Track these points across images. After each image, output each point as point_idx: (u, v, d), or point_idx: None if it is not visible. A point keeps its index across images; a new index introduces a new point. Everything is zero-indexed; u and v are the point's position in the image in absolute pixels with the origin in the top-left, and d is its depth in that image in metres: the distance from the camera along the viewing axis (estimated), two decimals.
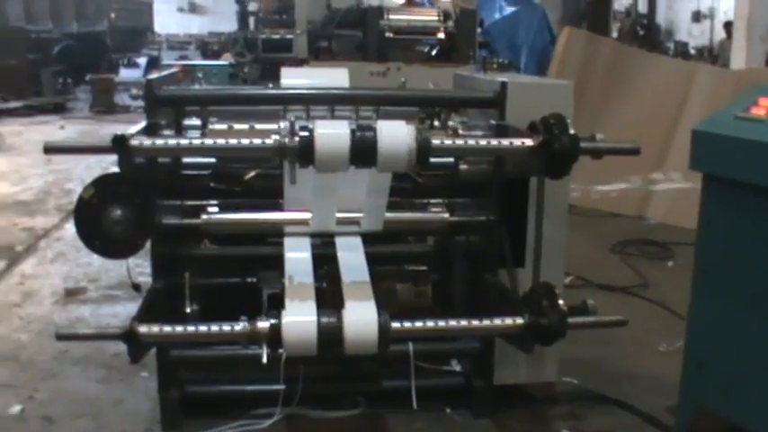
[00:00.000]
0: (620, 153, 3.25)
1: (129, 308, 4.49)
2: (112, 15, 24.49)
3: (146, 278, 3.62)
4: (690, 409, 3.32)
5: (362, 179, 3.27)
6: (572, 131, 3.02)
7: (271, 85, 4.58)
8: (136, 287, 3.65)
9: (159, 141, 3.16)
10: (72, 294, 5.17)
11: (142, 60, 20.19)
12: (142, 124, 3.29)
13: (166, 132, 3.50)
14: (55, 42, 17.88)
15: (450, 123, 3.79)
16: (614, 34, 19.82)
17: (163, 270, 3.44)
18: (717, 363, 3.19)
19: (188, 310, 3.46)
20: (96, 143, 3.06)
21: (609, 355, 4.24)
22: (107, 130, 12.33)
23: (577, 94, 3.61)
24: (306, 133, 2.85)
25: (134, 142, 2.91)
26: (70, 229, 5.86)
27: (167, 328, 3.09)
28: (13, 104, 14.20)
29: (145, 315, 3.10)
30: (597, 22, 16.98)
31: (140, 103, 3.97)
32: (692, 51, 20.77)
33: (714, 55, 19.51)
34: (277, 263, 3.33)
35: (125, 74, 18.77)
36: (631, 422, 3.63)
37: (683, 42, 22.00)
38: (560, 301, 3.08)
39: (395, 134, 2.90)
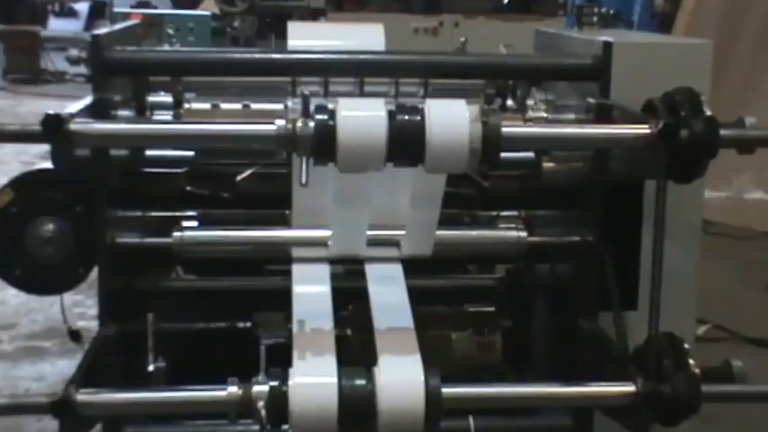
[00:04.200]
0: None
1: (63, 366, 4.59)
2: None
3: (89, 323, 3.63)
4: None
5: (404, 183, 3.33)
6: (708, 113, 3.05)
7: (273, 48, 4.66)
8: (74, 335, 3.68)
9: (112, 125, 3.21)
10: None
11: (83, 6, 20.32)
12: (86, 100, 3.29)
13: (122, 113, 3.55)
14: None
15: (530, 103, 3.84)
16: None
17: (115, 310, 3.45)
18: None
19: (151, 367, 3.50)
20: (16, 127, 3.04)
21: None
22: (30, 107, 12.48)
23: (717, 60, 3.62)
24: (324, 116, 2.88)
25: (75, 126, 2.92)
26: None
27: (120, 395, 3.11)
28: None
29: (86, 376, 3.09)
30: None
31: (82, 69, 4.02)
32: None
33: None
34: (281, 300, 3.38)
35: (57, 25, 18.88)
36: None
37: None
38: (691, 361, 3.09)
39: (451, 118, 2.92)
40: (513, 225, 3.68)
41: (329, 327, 3.19)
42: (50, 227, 3.07)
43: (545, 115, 3.78)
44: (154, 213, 3.63)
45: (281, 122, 2.90)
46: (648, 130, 3.05)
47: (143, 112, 3.76)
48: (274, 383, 2.92)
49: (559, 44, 4.06)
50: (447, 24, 7.15)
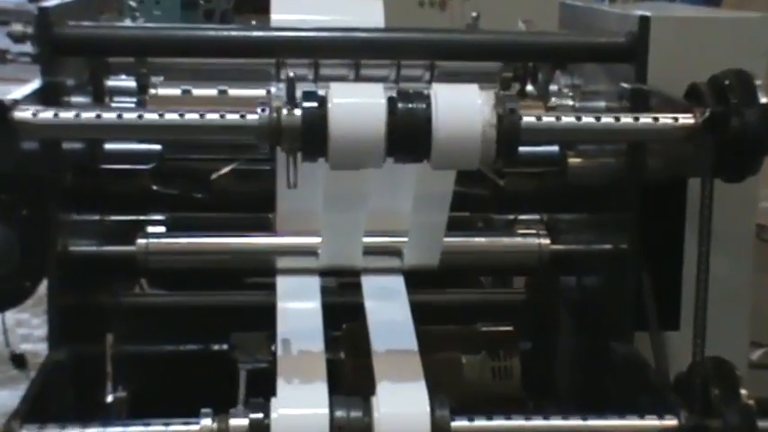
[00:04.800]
0: None
1: (4, 397, 4.55)
2: None
3: (36, 345, 3.62)
4: None
5: (407, 182, 3.31)
6: (764, 100, 3.01)
7: (253, 24, 4.62)
8: (18, 361, 3.66)
9: (64, 114, 3.15)
10: None
11: None
12: (34, 84, 3.26)
13: (77, 99, 3.54)
14: None
15: (554, 88, 3.83)
16: None
17: (68, 331, 3.41)
18: None
19: (109, 398, 3.49)
20: None
21: None
22: None
23: None
24: (313, 104, 2.85)
25: (20, 115, 2.88)
26: None
27: (73, 431, 3.10)
28: None
29: (32, 409, 3.01)
30: None
31: (28, 47, 3.95)
32: None
33: None
34: (263, 319, 3.36)
35: None
36: None
37: None
38: (743, 391, 3.05)
39: (461, 106, 2.89)
40: (533, 231, 3.67)
41: (319, 349, 3.16)
42: None
43: (571, 103, 3.77)
44: (114, 217, 3.61)
45: (263, 111, 2.86)
46: (693, 120, 3.02)
47: (101, 98, 3.75)
48: (255, 415, 2.87)
49: (588, 19, 4.02)
50: None
